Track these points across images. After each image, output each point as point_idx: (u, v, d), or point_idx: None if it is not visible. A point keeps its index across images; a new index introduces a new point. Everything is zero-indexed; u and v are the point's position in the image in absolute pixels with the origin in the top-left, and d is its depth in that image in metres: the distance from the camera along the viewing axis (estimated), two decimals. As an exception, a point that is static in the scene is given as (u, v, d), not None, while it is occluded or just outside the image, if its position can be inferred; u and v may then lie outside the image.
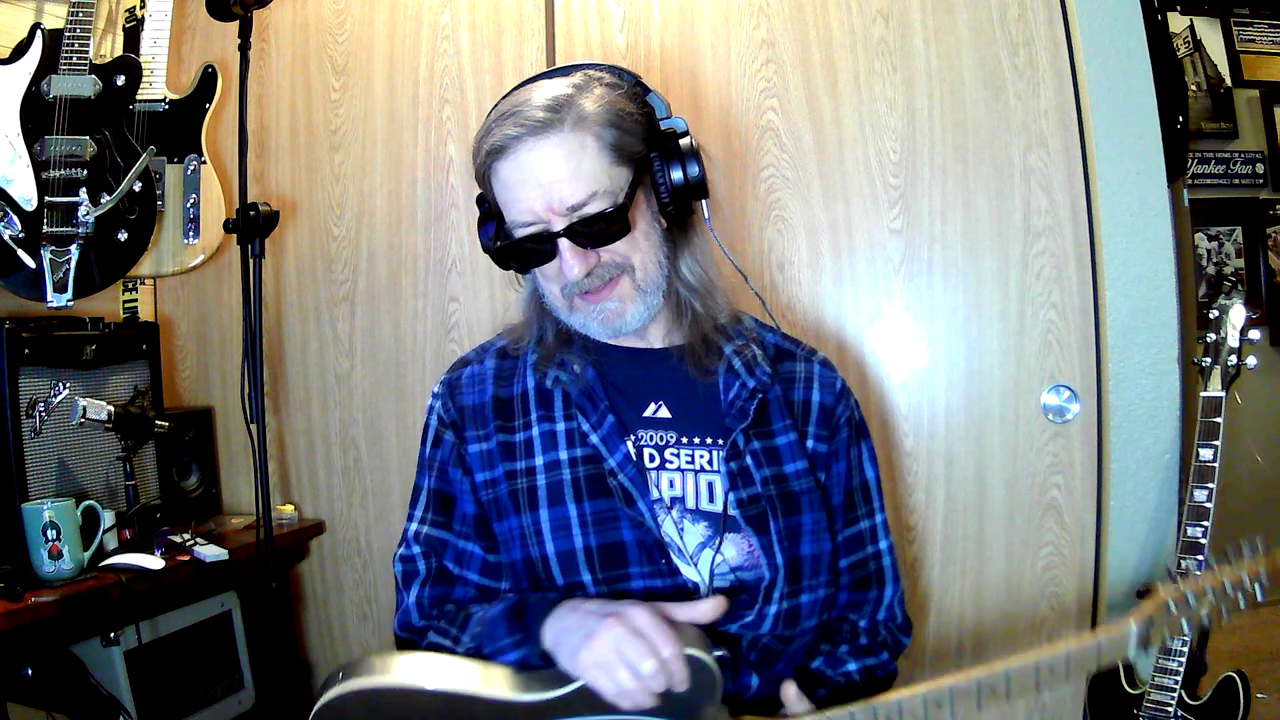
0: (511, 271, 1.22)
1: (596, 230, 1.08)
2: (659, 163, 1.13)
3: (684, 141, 1.14)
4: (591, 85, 1.11)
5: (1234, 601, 0.96)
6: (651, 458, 1.14)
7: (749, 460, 1.15)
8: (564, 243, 1.09)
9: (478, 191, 1.18)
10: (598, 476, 1.12)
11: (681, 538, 1.12)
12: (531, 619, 1.03)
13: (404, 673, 1.04)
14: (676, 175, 1.13)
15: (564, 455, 1.14)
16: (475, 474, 1.17)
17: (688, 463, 1.14)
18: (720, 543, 1.11)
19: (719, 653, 0.99)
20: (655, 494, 1.12)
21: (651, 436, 1.16)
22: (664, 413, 1.17)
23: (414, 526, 1.21)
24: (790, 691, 1.06)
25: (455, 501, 1.19)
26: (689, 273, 1.19)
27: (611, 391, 1.17)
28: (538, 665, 1.02)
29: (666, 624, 0.97)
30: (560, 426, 1.15)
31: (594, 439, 1.13)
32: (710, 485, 1.14)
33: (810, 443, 1.19)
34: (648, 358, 1.20)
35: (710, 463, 1.14)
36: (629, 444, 1.14)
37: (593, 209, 1.08)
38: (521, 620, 1.04)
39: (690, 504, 1.13)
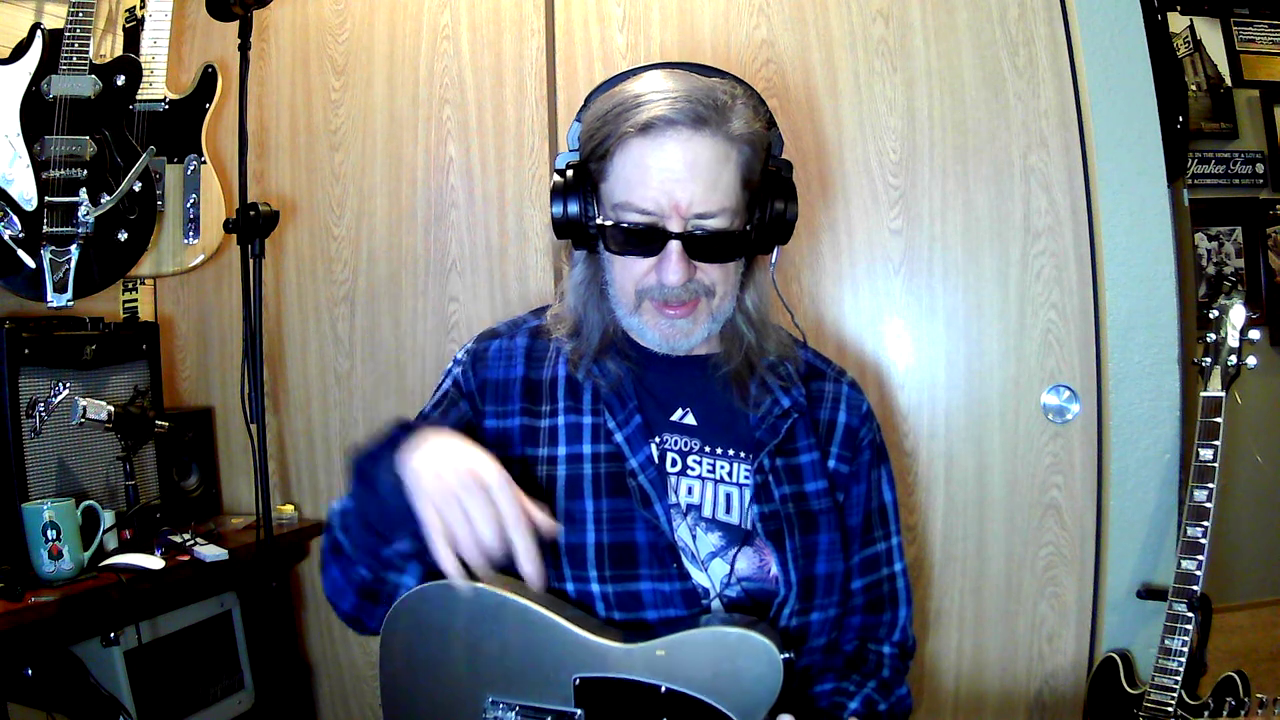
0: (559, 250, 1.20)
1: (713, 247, 1.06)
2: (767, 201, 1.11)
3: (789, 186, 1.13)
4: (740, 97, 1.08)
5: None
6: (674, 462, 1.14)
7: (769, 476, 1.14)
8: (675, 245, 1.05)
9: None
10: (618, 475, 1.12)
11: (695, 544, 1.11)
12: (404, 434, 1.00)
13: (495, 581, 1.04)
14: (776, 219, 1.12)
15: (587, 450, 1.14)
16: (488, 449, 1.16)
17: (708, 472, 1.14)
18: (736, 554, 1.10)
19: (786, 655, 0.97)
20: (673, 499, 1.12)
21: (676, 441, 1.15)
22: (690, 419, 1.17)
23: None
24: None
25: None
26: (751, 306, 1.17)
27: (641, 392, 1.16)
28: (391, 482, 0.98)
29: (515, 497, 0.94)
30: (586, 420, 1.15)
31: (618, 437, 1.13)
32: (729, 497, 1.14)
33: (832, 463, 1.19)
34: (683, 363, 1.19)
35: (730, 474, 1.14)
36: (653, 446, 1.13)
37: (715, 224, 1.05)
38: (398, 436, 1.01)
39: (706, 513, 1.13)
